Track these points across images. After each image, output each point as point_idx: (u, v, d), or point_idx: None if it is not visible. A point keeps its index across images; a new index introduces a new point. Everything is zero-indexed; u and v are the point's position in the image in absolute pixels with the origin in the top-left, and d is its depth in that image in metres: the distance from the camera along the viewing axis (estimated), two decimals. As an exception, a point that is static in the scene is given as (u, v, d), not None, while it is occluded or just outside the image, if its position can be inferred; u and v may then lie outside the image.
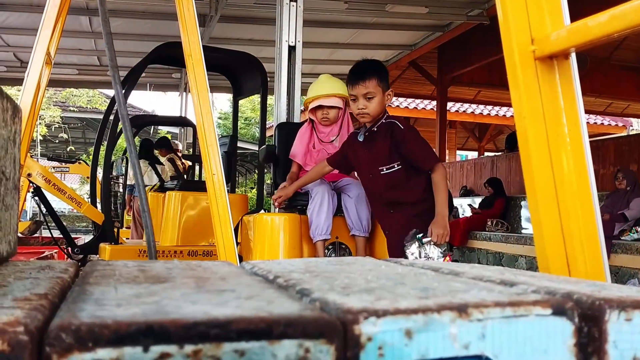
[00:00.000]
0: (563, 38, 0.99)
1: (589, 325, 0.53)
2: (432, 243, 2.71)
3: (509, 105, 13.10)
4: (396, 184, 2.88)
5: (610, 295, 0.55)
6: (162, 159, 8.16)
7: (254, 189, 17.64)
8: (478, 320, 0.50)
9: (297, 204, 3.39)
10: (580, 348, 0.53)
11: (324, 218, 3.17)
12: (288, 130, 3.84)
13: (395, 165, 2.86)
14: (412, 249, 2.75)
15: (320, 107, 3.42)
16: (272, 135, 4.08)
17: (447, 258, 2.73)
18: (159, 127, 18.38)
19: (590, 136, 1.10)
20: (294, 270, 0.74)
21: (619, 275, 5.79)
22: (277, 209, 3.45)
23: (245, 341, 0.44)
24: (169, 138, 10.41)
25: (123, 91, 1.25)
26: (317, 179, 3.27)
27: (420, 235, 2.72)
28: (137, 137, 9.67)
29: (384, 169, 2.89)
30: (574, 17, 1.03)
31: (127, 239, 6.64)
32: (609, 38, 0.94)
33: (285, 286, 0.63)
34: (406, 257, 2.74)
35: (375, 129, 2.91)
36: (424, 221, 2.77)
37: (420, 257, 2.73)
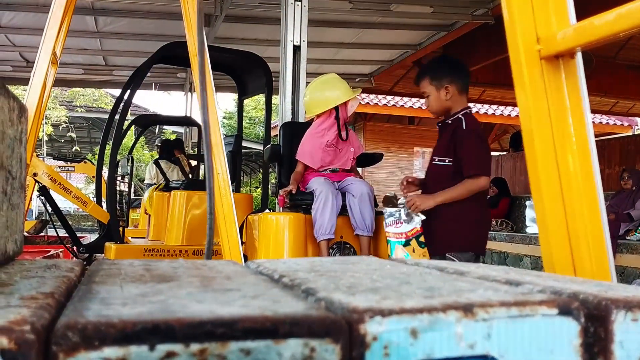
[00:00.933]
0: (569, 37, 0.99)
1: (595, 325, 0.53)
2: (404, 206, 2.76)
3: (514, 104, 13.04)
4: (441, 178, 2.90)
5: (616, 296, 0.55)
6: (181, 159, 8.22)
7: (259, 189, 17.66)
8: (484, 320, 0.50)
9: (301, 203, 3.39)
10: (586, 348, 0.53)
11: (328, 217, 3.17)
12: (293, 129, 3.84)
13: (446, 160, 2.88)
14: (388, 212, 2.80)
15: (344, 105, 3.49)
16: (277, 135, 4.08)
17: (418, 228, 2.75)
18: (164, 127, 18.40)
19: (595, 136, 1.10)
20: (299, 270, 0.75)
21: (625, 276, 5.78)
22: (282, 208, 3.45)
23: (250, 340, 0.44)
24: (172, 139, 10.44)
25: (207, 96, 1.25)
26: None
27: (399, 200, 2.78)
28: (142, 136, 9.70)
29: (436, 160, 2.94)
30: (579, 16, 1.02)
31: (140, 237, 6.64)
32: (615, 37, 0.94)
33: (291, 285, 0.63)
34: None
35: (450, 122, 2.96)
36: (460, 227, 2.79)
37: (394, 220, 2.77)
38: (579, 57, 1.05)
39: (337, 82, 3.53)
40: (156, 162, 8.10)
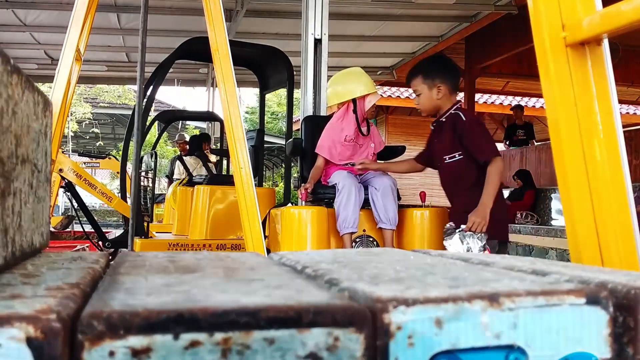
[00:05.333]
0: (595, 24, 0.97)
1: (624, 314, 0.52)
2: (468, 232, 2.71)
3: (539, 96, 12.86)
4: (460, 174, 2.96)
5: (646, 285, 0.54)
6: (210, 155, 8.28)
7: (281, 183, 17.70)
8: (510, 310, 0.49)
9: (324, 197, 3.39)
10: (616, 338, 0.52)
11: (351, 211, 3.16)
12: (314, 123, 3.84)
13: (457, 155, 2.94)
14: (453, 241, 2.75)
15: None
16: (298, 129, 4.09)
17: (486, 252, 2.70)
18: (187, 123, 18.53)
19: (622, 126, 1.08)
20: (322, 261, 0.74)
21: (653, 268, 5.68)
22: (304, 202, 3.45)
23: (274, 329, 0.44)
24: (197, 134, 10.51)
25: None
26: (407, 172, 3.53)
27: (458, 229, 2.73)
28: (165, 132, 9.80)
29: (447, 159, 2.99)
30: (606, 2, 1.00)
31: (165, 232, 6.70)
32: (643, 23, 0.92)
33: (314, 276, 0.63)
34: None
35: (444, 120, 3.04)
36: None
37: (460, 249, 2.71)
38: (605, 44, 1.03)
39: (359, 76, 3.52)
40: (179, 158, 8.16)
